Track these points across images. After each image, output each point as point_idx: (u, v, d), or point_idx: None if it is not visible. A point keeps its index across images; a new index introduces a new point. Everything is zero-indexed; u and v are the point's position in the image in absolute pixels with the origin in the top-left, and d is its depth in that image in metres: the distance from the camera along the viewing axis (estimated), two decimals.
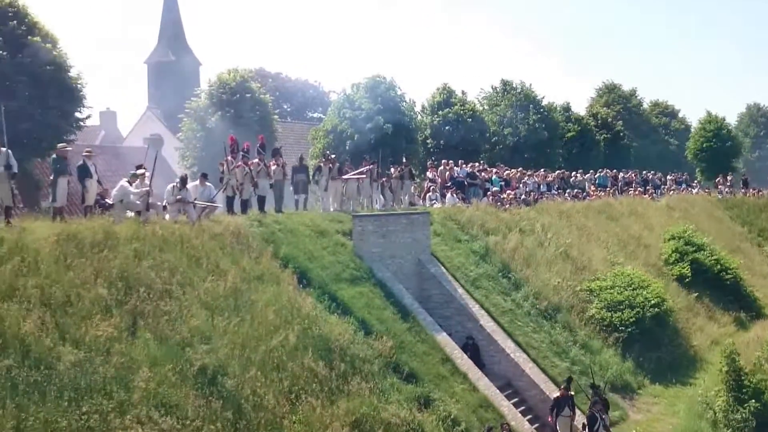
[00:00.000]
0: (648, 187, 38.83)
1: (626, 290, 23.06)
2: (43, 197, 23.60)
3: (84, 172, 15.25)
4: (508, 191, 28.32)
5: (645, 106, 61.05)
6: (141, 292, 12.48)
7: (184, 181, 16.66)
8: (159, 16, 56.14)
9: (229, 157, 18.68)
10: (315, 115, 63.07)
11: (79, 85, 23.72)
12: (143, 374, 11.10)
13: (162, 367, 11.44)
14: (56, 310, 11.22)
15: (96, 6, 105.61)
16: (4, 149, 13.70)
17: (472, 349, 18.77)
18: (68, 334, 11.00)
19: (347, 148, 32.09)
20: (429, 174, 28.58)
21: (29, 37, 22.10)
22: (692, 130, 53.97)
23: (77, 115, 24.11)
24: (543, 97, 42.86)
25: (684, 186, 43.25)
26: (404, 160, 25.33)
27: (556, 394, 16.82)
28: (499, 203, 26.78)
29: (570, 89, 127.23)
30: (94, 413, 10.13)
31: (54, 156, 15.57)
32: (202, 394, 11.57)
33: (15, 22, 22.01)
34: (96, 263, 12.55)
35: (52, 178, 15.31)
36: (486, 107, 42.62)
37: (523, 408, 17.83)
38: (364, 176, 22.53)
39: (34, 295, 11.16)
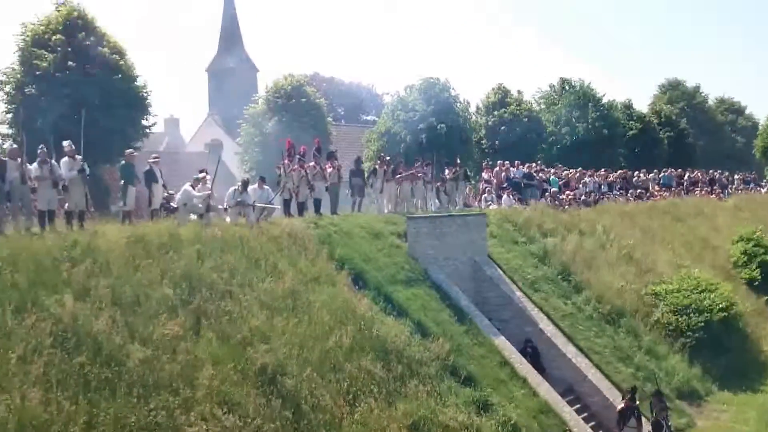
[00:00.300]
0: (715, 187, 37.61)
1: (693, 294, 22.41)
2: (112, 201, 24.52)
3: (151, 177, 15.84)
4: (567, 192, 27.92)
5: (710, 103, 59.26)
6: (203, 293, 12.84)
7: (245, 184, 17.11)
8: (219, 25, 57.66)
9: (286, 161, 19.03)
10: (369, 117, 63.50)
11: (145, 94, 24.57)
12: (207, 372, 11.39)
13: (224, 365, 11.73)
14: (126, 310, 11.63)
15: (160, 17, 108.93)
16: (79, 156, 14.36)
17: (531, 353, 18.50)
18: (137, 332, 11.38)
19: (401, 150, 32.24)
20: (484, 175, 28.41)
21: (98, 48, 23.02)
22: (760, 127, 52.09)
23: (143, 122, 24.97)
24: (603, 95, 42.09)
25: (752, 185, 41.76)
26: (458, 161, 25.27)
27: (621, 405, 16.48)
28: (557, 204, 26.40)
29: (631, 86, 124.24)
30: (161, 409, 10.44)
31: (123, 162, 16.25)
32: (263, 393, 11.80)
33: (84, 33, 22.96)
34: (162, 264, 12.98)
35: (122, 183, 15.94)
36: (543, 106, 42.10)
37: (585, 414, 17.47)
38: (419, 175, 22.54)
39: (106, 295, 11.58)
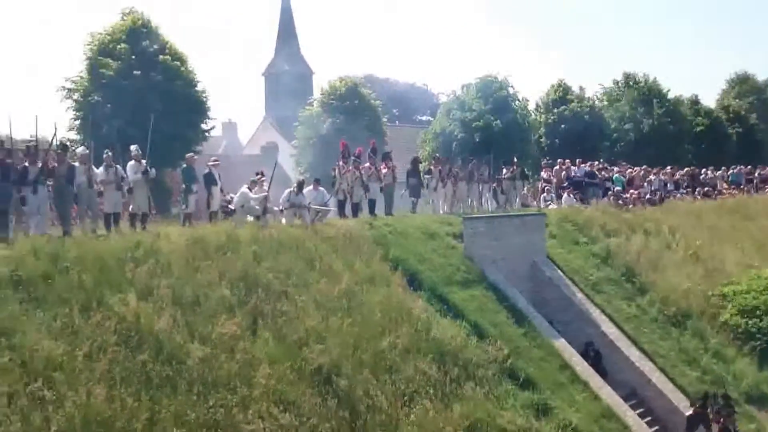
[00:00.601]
0: None
1: (763, 294, 21.44)
2: (173, 204, 25.20)
3: (210, 180, 16.19)
4: (631, 191, 27.23)
5: None
6: (260, 293, 13.02)
7: (300, 186, 17.31)
8: (275, 29, 58.66)
9: (341, 162, 19.14)
10: (423, 118, 63.41)
11: (204, 98, 25.16)
12: (263, 371, 11.54)
13: (281, 365, 11.86)
14: (186, 309, 11.90)
15: (217, 23, 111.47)
16: (144, 160, 14.80)
17: (592, 356, 18.06)
18: (196, 331, 11.62)
19: (457, 150, 32.01)
20: (544, 174, 27.91)
21: (161, 56, 23.69)
22: None
23: (203, 126, 25.57)
24: (668, 90, 40.88)
25: None
26: (514, 160, 24.96)
27: (689, 412, 15.97)
28: (621, 203, 25.79)
29: (698, 81, 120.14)
30: (220, 407, 10.63)
31: (184, 166, 16.70)
32: (318, 393, 11.88)
33: (148, 41, 23.68)
34: (220, 265, 13.23)
35: (183, 186, 16.37)
36: (606, 103, 41.13)
37: (649, 419, 17.00)
38: (475, 174, 22.36)
39: (167, 295, 11.87)
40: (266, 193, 16.28)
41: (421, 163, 22.57)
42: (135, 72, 23.01)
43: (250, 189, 16.39)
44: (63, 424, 9.09)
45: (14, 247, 11.38)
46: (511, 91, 34.38)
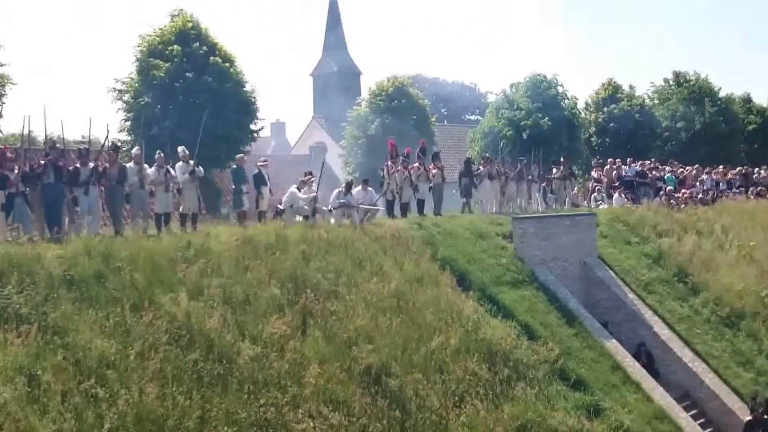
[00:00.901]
0: None
1: None
2: (223, 204, 25.52)
3: (259, 180, 16.33)
4: (683, 190, 26.67)
5: None
6: (309, 293, 13.06)
7: (349, 186, 17.33)
8: (323, 29, 59.00)
9: (389, 162, 19.10)
10: (472, 117, 62.96)
11: (253, 99, 25.37)
12: (313, 370, 11.57)
13: (330, 364, 11.87)
14: (236, 309, 12.00)
15: (266, 24, 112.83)
16: (192, 160, 15.00)
17: (645, 357, 17.85)
18: (247, 330, 11.72)
19: (506, 149, 31.63)
20: (594, 174, 27.60)
21: (210, 58, 23.97)
22: None
23: (252, 127, 25.76)
24: (719, 89, 39.77)
25: None
26: (562, 159, 24.56)
27: (749, 417, 15.46)
28: (672, 203, 25.26)
29: (751, 79, 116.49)
30: (271, 406, 10.69)
31: (234, 167, 16.85)
32: (368, 392, 11.87)
33: (198, 43, 23.98)
34: (269, 265, 13.31)
35: (233, 187, 16.54)
36: (657, 101, 40.26)
37: (702, 421, 16.73)
38: (525, 174, 22.10)
39: (217, 294, 11.99)
40: (315, 194, 16.33)
41: (473, 163, 22.38)
42: (187, 74, 23.27)
43: (299, 189, 16.47)
44: (116, 422, 9.21)
45: (67, 248, 11.56)
46: (560, 89, 33.84)
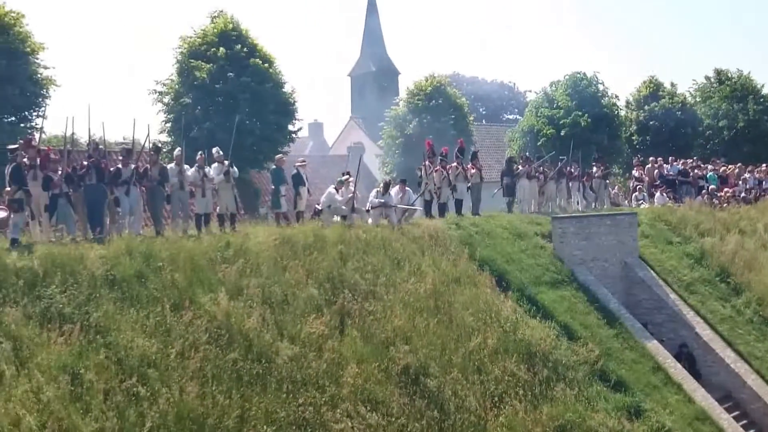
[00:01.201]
0: None
1: None
2: (261, 204, 25.75)
3: (298, 181, 16.43)
4: (725, 189, 26.08)
5: None
6: (347, 293, 13.11)
7: (387, 186, 17.32)
8: (361, 30, 59.14)
9: (427, 162, 19.02)
10: (511, 116, 62.43)
11: (292, 100, 25.54)
12: (351, 370, 11.61)
13: (368, 364, 11.90)
14: (275, 308, 12.10)
15: (306, 25, 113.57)
16: (226, 162, 15.16)
17: (686, 358, 17.62)
18: (285, 330, 11.81)
19: (545, 148, 31.30)
20: (635, 172, 27.18)
21: (251, 59, 24.21)
22: None
23: (290, 127, 25.94)
24: (762, 86, 38.69)
25: None
26: (596, 157, 24.20)
27: None
28: (715, 202, 24.70)
29: None
30: (309, 405, 10.76)
31: (273, 167, 16.97)
32: (406, 393, 11.87)
33: (239, 45, 24.23)
34: (307, 265, 13.39)
35: (272, 187, 16.68)
36: (698, 99, 39.38)
37: (744, 422, 16.48)
38: (564, 173, 21.85)
39: (256, 294, 12.10)
40: (353, 194, 16.38)
41: (515, 163, 22.21)
42: (229, 74, 23.50)
43: (336, 189, 16.52)
44: (157, 420, 9.35)
45: (109, 248, 11.74)
46: (600, 87, 33.34)
